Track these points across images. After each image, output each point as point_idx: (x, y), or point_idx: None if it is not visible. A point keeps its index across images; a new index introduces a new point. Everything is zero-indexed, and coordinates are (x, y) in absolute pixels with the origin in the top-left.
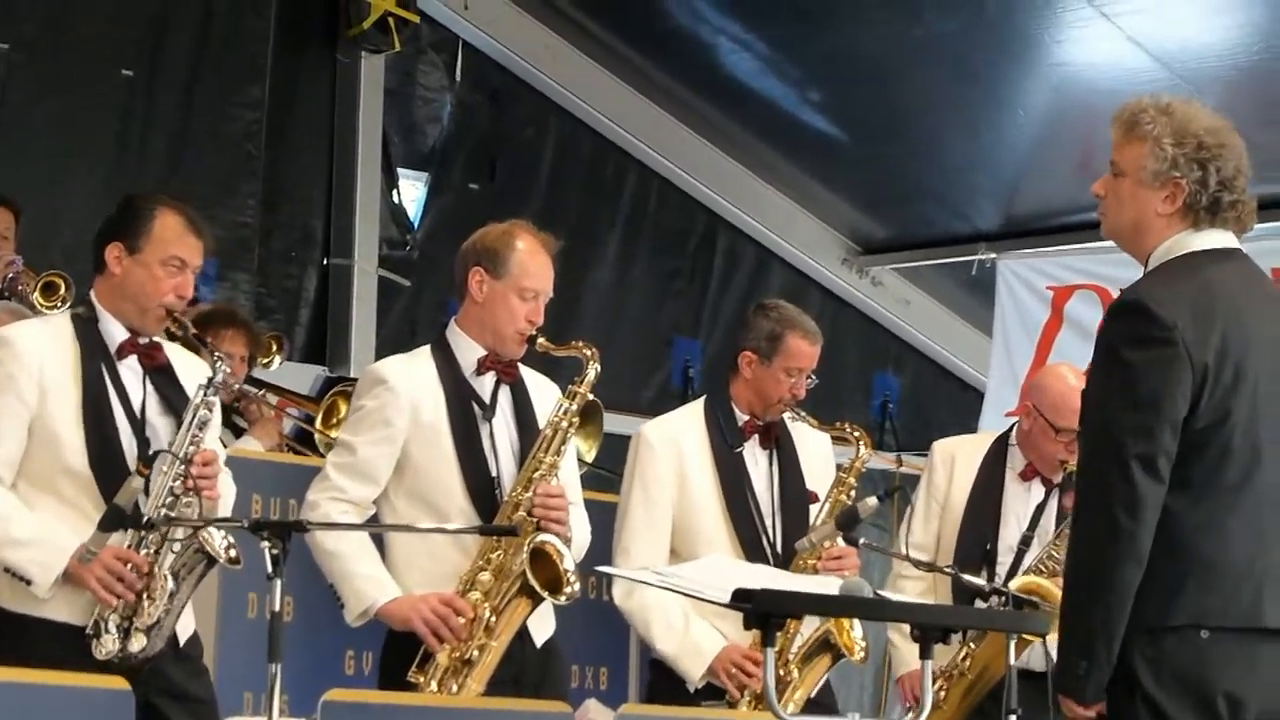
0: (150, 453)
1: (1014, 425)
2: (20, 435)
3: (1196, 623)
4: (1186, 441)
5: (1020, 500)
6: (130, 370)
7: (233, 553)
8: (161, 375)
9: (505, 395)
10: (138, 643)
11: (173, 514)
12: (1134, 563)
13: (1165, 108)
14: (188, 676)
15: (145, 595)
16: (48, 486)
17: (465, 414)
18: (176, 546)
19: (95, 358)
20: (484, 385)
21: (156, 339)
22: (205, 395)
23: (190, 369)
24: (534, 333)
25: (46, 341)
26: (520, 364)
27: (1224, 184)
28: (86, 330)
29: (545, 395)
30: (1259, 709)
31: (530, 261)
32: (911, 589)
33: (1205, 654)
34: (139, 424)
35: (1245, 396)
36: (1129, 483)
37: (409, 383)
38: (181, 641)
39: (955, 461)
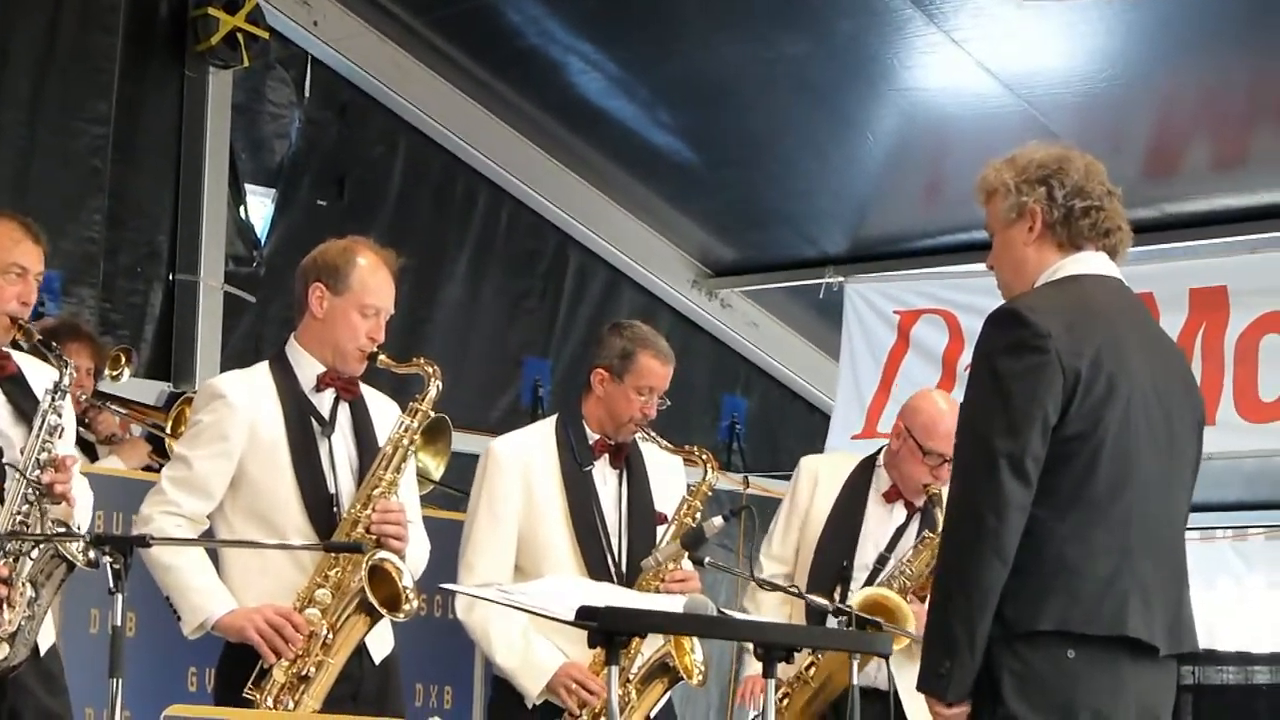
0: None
1: (882, 447)
2: None
3: (1061, 629)
4: (1055, 450)
5: (880, 521)
6: None
7: (90, 554)
8: (13, 384)
9: (345, 412)
10: (0, 652)
11: (26, 523)
12: (999, 562)
13: (1009, 158)
14: (49, 694)
15: (5, 604)
16: None
17: (304, 430)
18: (35, 554)
19: None
20: (323, 402)
21: (5, 349)
22: (53, 401)
23: (44, 377)
24: (375, 349)
25: None
26: (361, 382)
27: (1073, 192)
28: None
29: (385, 413)
30: None
31: (371, 278)
32: (769, 601)
33: (1072, 672)
34: None
35: (1117, 412)
36: (995, 483)
37: (247, 398)
38: (42, 651)
39: (819, 478)
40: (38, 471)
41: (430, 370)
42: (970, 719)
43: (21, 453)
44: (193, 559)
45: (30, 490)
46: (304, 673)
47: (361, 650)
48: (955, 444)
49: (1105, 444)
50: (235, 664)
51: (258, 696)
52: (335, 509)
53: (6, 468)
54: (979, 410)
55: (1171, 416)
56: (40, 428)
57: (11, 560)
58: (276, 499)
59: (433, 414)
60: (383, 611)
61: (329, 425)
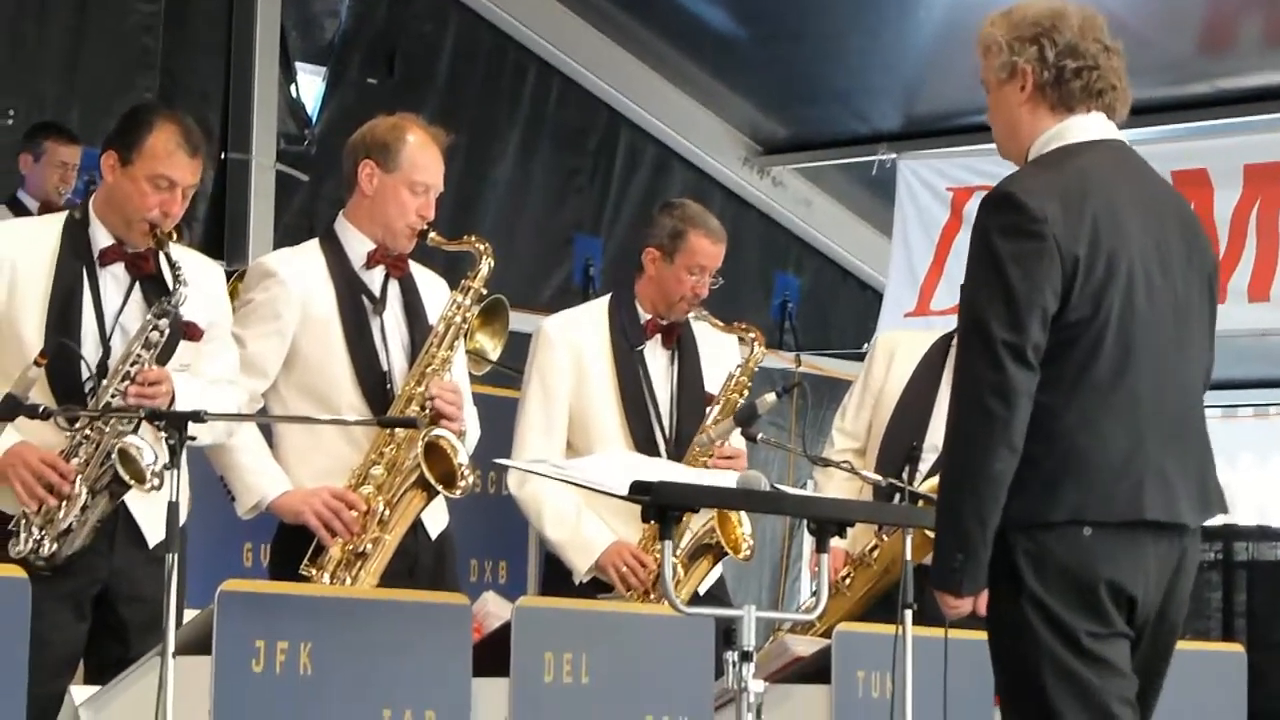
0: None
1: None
2: None
3: (1077, 518)
4: (1058, 336)
5: None
6: (113, 277)
7: (156, 481)
8: (151, 283)
9: (395, 289)
10: (49, 547)
11: (104, 429)
12: (1007, 450)
13: (1005, 11)
14: (153, 579)
15: (64, 502)
16: (8, 382)
17: (355, 307)
18: (103, 463)
19: (75, 260)
20: (373, 279)
21: (145, 251)
22: (155, 319)
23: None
24: (425, 227)
25: (23, 241)
26: (410, 260)
27: (1065, 52)
28: (74, 232)
29: (435, 291)
30: (1148, 603)
31: (421, 155)
32: (837, 478)
33: (1089, 548)
34: (104, 328)
35: (1118, 291)
36: (999, 370)
37: (298, 275)
38: (151, 544)
39: (895, 355)
40: (126, 383)
41: (481, 248)
42: (991, 605)
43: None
44: (247, 438)
45: (114, 399)
46: (360, 549)
47: (418, 525)
48: (958, 331)
49: (1109, 326)
50: (291, 541)
51: (314, 573)
52: (389, 386)
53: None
54: (979, 297)
55: (1175, 278)
56: (136, 341)
57: (83, 462)
58: (331, 376)
59: (485, 291)
60: (439, 488)
61: (380, 303)
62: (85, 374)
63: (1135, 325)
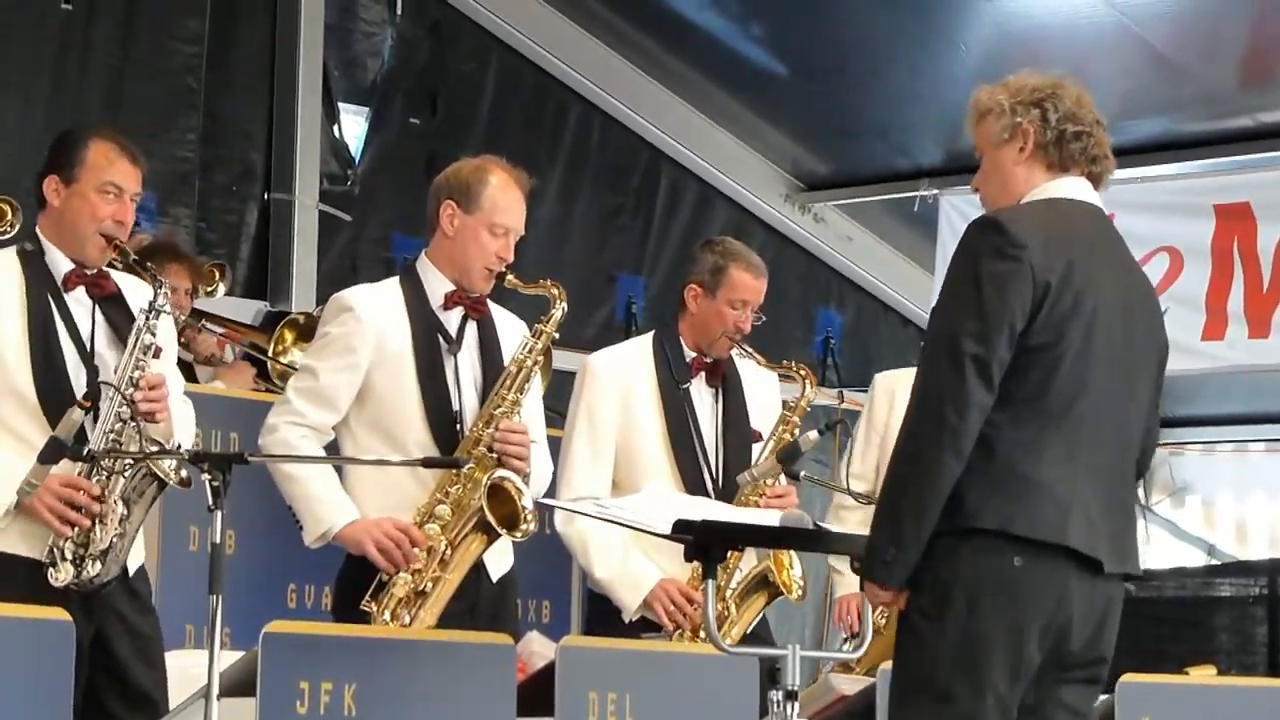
0: (95, 383)
1: None
2: None
3: (1003, 529)
4: (1016, 359)
5: None
6: (78, 302)
7: (183, 473)
8: (111, 304)
9: (472, 330)
10: (93, 568)
11: (119, 440)
12: (954, 457)
13: (1003, 82)
14: (136, 612)
15: (98, 521)
16: None
17: (430, 346)
18: (128, 472)
19: (41, 289)
20: (451, 319)
21: (103, 269)
22: (148, 320)
23: (143, 298)
24: (503, 269)
25: None
26: (490, 301)
27: (1066, 118)
28: (33, 263)
29: (513, 333)
30: (1078, 637)
31: (502, 197)
32: (851, 519)
33: (1017, 581)
34: (87, 354)
35: (1079, 327)
36: (961, 382)
37: (375, 311)
38: (131, 571)
39: (896, 394)
40: (130, 389)
41: (556, 292)
42: (911, 613)
43: (115, 371)
44: (316, 469)
45: (124, 409)
46: (421, 588)
47: (480, 567)
48: (926, 339)
49: (1065, 357)
50: (356, 576)
51: (374, 609)
52: (459, 426)
53: (101, 385)
54: (952, 310)
55: (1133, 343)
56: (134, 347)
57: (105, 477)
58: (401, 414)
59: (557, 335)
60: (500, 531)
61: (456, 343)
62: (90, 402)
63: (1091, 364)
